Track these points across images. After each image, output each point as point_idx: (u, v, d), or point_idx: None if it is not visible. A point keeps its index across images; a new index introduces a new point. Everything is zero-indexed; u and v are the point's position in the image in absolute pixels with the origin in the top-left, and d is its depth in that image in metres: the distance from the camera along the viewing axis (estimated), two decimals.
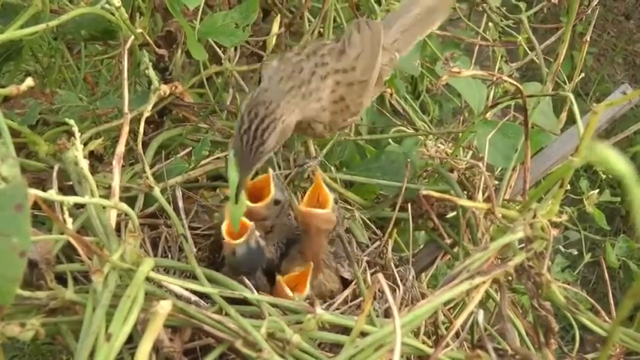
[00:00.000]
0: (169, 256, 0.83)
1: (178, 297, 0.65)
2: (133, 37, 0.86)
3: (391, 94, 1.17)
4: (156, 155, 0.94)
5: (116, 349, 0.52)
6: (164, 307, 0.48)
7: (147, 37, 0.92)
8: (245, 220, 0.75)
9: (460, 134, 1.01)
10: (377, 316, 0.73)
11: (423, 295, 0.88)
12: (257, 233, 0.77)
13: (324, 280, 0.81)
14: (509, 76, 1.15)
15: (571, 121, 0.89)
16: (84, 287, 0.65)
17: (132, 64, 1.02)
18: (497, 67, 1.29)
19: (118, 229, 0.71)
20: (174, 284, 0.65)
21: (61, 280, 0.63)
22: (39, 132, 0.89)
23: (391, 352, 0.52)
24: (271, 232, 0.84)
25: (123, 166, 0.82)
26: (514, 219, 0.69)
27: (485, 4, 1.25)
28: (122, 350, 0.63)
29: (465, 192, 0.94)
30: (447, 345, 0.63)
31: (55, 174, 0.74)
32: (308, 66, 0.75)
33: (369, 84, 0.81)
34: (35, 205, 0.52)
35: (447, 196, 0.80)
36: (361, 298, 0.79)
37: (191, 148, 0.97)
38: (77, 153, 0.68)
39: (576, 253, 1.50)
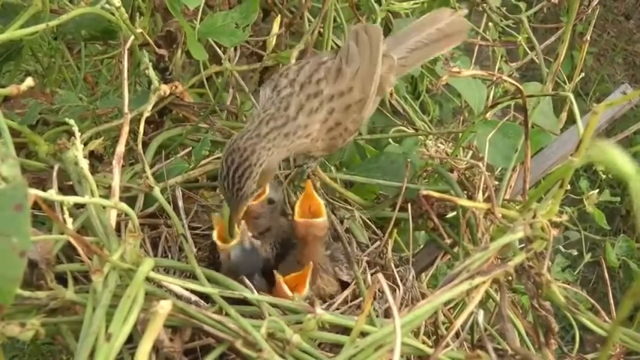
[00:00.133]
0: (169, 256, 0.83)
1: (178, 297, 0.65)
2: (133, 37, 0.86)
3: (391, 94, 1.16)
4: (156, 155, 0.94)
5: (116, 349, 0.52)
6: (164, 307, 0.48)
7: (147, 37, 0.92)
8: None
9: (460, 134, 1.01)
10: (377, 316, 0.73)
11: (423, 295, 0.88)
12: (249, 234, 0.78)
13: (322, 284, 0.81)
14: (509, 76, 1.16)
15: (571, 121, 0.89)
16: (84, 287, 0.65)
17: (132, 64, 1.02)
18: (497, 67, 1.29)
19: (118, 229, 0.71)
20: (174, 284, 0.65)
21: (61, 280, 0.63)
22: (39, 132, 0.89)
23: (391, 352, 0.52)
24: (267, 232, 0.84)
25: (123, 166, 0.82)
26: (514, 219, 0.69)
27: (485, 4, 1.25)
28: (122, 350, 0.63)
29: (465, 192, 0.94)
30: (447, 345, 0.63)
31: (55, 174, 0.74)
32: (296, 101, 0.76)
33: (367, 100, 0.81)
34: (35, 205, 0.52)
35: (447, 196, 0.80)
36: (361, 299, 0.79)
37: (191, 148, 0.97)
38: (77, 153, 0.68)
39: (576, 253, 1.50)
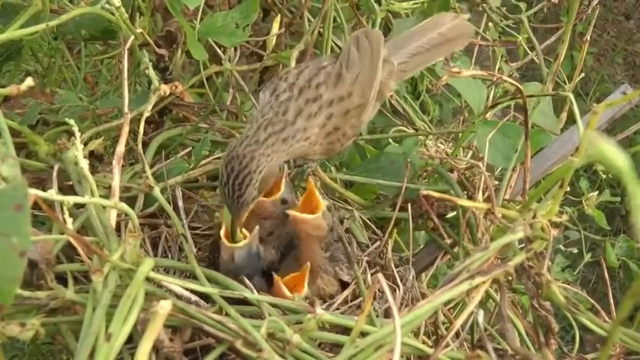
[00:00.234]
0: (169, 256, 0.83)
1: (178, 297, 0.65)
2: (133, 37, 0.86)
3: (391, 95, 1.17)
4: (156, 155, 0.94)
5: (116, 349, 0.52)
6: (164, 307, 0.48)
7: (147, 37, 0.92)
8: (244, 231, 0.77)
9: (460, 134, 1.01)
10: (377, 316, 0.73)
11: (423, 295, 0.88)
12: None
13: (322, 284, 0.81)
14: (509, 76, 1.16)
15: (571, 121, 0.89)
16: (84, 287, 0.65)
17: (132, 64, 1.02)
18: (497, 67, 1.29)
19: (118, 229, 0.71)
20: (174, 284, 0.64)
21: (61, 280, 0.63)
22: (39, 132, 0.89)
23: (391, 352, 0.52)
24: (272, 235, 0.84)
25: (123, 166, 0.82)
26: (514, 219, 0.69)
27: (485, 4, 1.25)
28: (122, 350, 0.63)
29: (465, 192, 0.94)
30: (447, 345, 0.63)
31: (55, 174, 0.74)
32: (295, 105, 0.76)
33: (367, 105, 0.81)
34: (35, 205, 0.52)
35: (447, 196, 0.80)
36: (361, 298, 0.79)
37: (191, 148, 0.97)
38: (77, 153, 0.67)
39: (576, 253, 1.50)
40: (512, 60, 1.43)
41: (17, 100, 0.94)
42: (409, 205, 0.92)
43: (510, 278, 0.64)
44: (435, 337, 0.85)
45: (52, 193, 0.56)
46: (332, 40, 1.08)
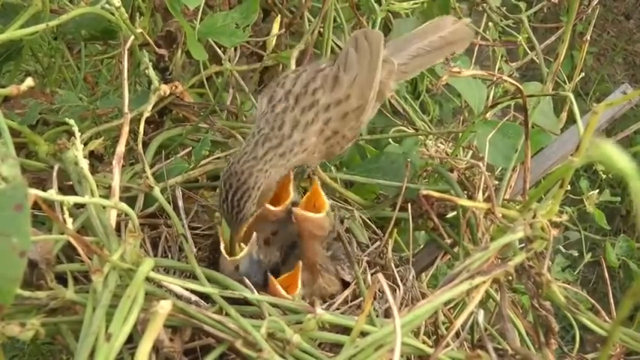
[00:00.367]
0: (169, 256, 0.83)
1: (178, 297, 0.65)
2: (133, 37, 0.86)
3: (391, 95, 1.17)
4: (156, 155, 0.94)
5: (116, 349, 0.52)
6: (164, 307, 0.48)
7: (147, 37, 0.92)
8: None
9: (460, 134, 1.01)
10: (377, 316, 0.73)
11: (423, 295, 0.88)
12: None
13: (324, 284, 0.81)
14: (509, 75, 1.16)
15: (571, 121, 0.89)
16: (84, 287, 0.65)
17: (132, 64, 1.02)
18: (497, 67, 1.29)
19: (118, 229, 0.71)
20: (174, 284, 0.65)
21: (61, 280, 0.63)
22: (39, 132, 0.89)
23: (391, 352, 0.52)
24: (276, 234, 0.84)
25: (123, 166, 0.82)
26: (514, 219, 0.69)
27: (485, 4, 1.25)
28: (122, 350, 0.63)
29: (465, 192, 0.94)
30: (447, 345, 0.63)
31: (55, 174, 0.74)
32: (290, 117, 0.76)
33: (366, 106, 0.81)
34: (35, 205, 0.52)
35: (447, 196, 0.80)
36: (361, 298, 0.79)
37: (191, 148, 0.97)
38: (77, 153, 0.67)
39: (576, 253, 1.50)
40: (512, 60, 1.43)
41: (17, 100, 0.94)
42: (409, 205, 0.92)
43: (510, 278, 0.64)
44: (435, 337, 0.85)
45: (52, 193, 0.56)
46: (332, 40, 1.08)
